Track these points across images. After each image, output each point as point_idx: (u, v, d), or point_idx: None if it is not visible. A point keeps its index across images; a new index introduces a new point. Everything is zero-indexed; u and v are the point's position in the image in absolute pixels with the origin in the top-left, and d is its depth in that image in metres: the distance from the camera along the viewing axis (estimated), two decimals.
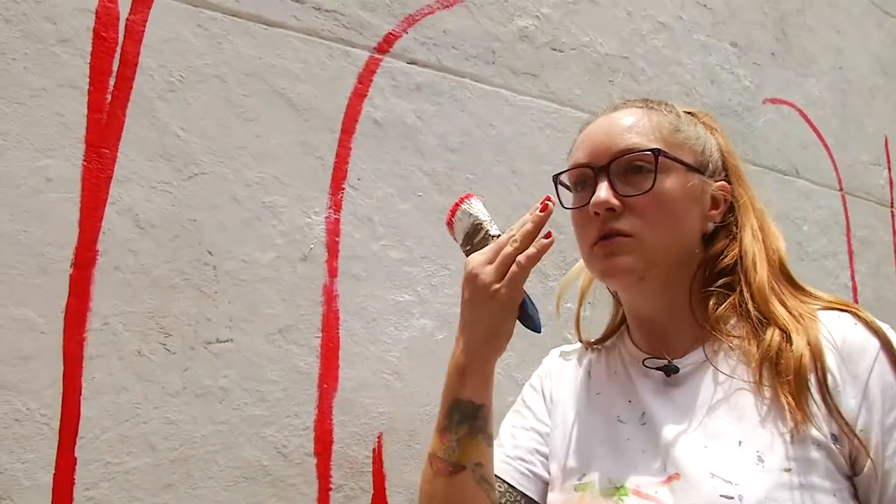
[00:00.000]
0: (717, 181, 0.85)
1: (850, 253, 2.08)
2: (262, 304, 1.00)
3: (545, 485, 0.88)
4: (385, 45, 1.18)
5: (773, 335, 0.76)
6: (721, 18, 1.84)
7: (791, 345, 0.74)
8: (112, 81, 0.93)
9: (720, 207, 0.84)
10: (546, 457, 0.89)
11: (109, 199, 0.91)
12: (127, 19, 0.94)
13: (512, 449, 0.90)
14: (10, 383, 0.83)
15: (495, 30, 1.32)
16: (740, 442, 0.74)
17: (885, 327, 0.76)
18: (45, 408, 0.85)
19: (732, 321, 0.81)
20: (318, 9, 1.10)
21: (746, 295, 0.80)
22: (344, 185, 1.09)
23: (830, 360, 0.74)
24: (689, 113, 0.89)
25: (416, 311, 1.15)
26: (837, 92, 2.18)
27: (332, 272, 1.06)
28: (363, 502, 1.04)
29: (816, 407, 0.72)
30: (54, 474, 0.84)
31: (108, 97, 0.92)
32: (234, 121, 1.01)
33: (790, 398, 0.72)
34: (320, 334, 1.04)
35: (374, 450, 1.07)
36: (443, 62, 1.24)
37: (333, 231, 1.07)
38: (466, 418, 0.82)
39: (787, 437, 0.71)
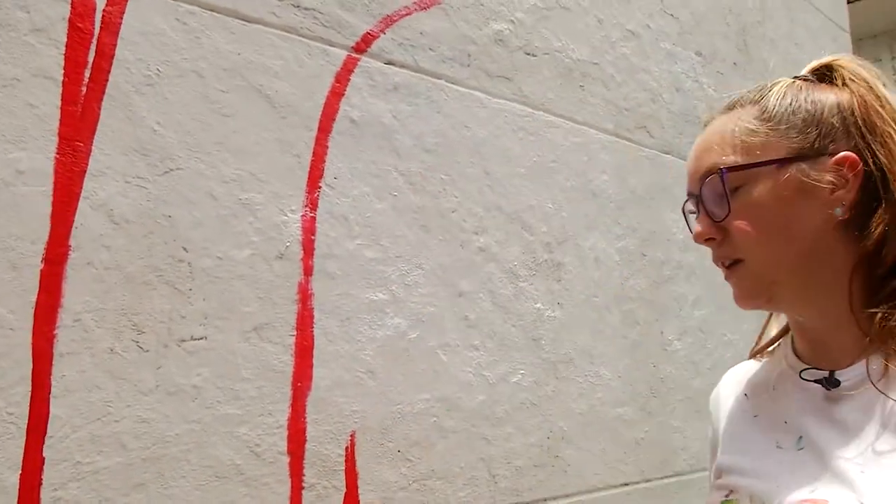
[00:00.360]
0: (836, 152, 0.73)
1: None
2: (237, 301, 0.99)
3: None
4: (363, 45, 1.18)
5: None
6: (687, 28, 1.89)
7: None
8: (88, 73, 0.91)
9: (849, 184, 0.72)
10: None
11: (83, 194, 0.88)
12: (104, 10, 0.92)
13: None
14: None
15: (471, 33, 1.33)
16: None
17: None
18: (13, 406, 0.82)
19: None
20: (297, 6, 1.10)
21: None
22: (320, 184, 1.09)
23: None
24: (806, 79, 0.79)
25: (389, 309, 1.15)
26: None
27: (308, 270, 1.06)
28: (336, 500, 1.04)
29: None
30: (21, 475, 0.82)
31: (84, 89, 0.90)
32: (212, 116, 1.00)
33: None
34: (295, 333, 1.03)
35: (346, 448, 1.06)
36: (419, 63, 1.24)
37: (309, 229, 1.07)
38: None
39: None
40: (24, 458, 0.82)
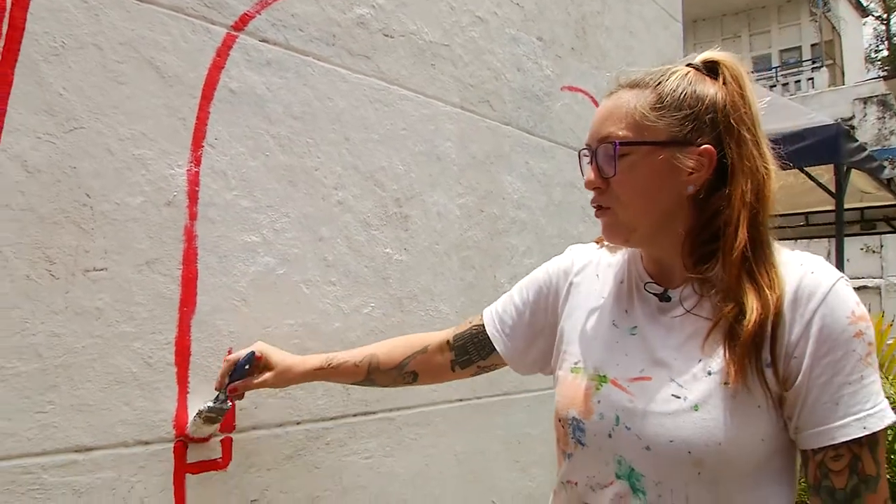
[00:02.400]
0: (701, 145, 0.93)
1: None
2: (132, 240, 1.18)
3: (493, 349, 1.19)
4: (241, 24, 1.37)
5: (731, 309, 0.89)
6: (530, 16, 2.14)
7: (744, 320, 0.87)
8: (2, 43, 1.07)
9: (702, 171, 0.93)
10: (507, 335, 1.18)
11: (1, 147, 1.06)
12: None
13: (503, 310, 1.20)
14: None
15: (336, 16, 1.54)
16: (700, 359, 0.92)
17: (837, 276, 0.89)
18: None
19: (713, 278, 0.93)
20: None
21: (720, 266, 0.92)
22: (203, 144, 1.28)
23: (784, 300, 0.89)
24: (698, 69, 0.98)
25: (261, 250, 1.37)
26: None
27: (193, 216, 1.26)
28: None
29: (754, 355, 0.88)
30: None
31: None
32: (109, 84, 1.17)
33: (731, 360, 0.88)
34: (181, 266, 1.24)
35: (225, 357, 1.29)
36: (290, 42, 1.45)
37: (194, 182, 1.27)
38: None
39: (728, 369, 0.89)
40: None
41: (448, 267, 1.80)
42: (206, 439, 1.26)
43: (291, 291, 1.42)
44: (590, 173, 1.00)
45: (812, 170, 4.87)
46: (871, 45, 27.95)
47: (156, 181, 1.22)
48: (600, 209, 1.00)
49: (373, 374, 1.26)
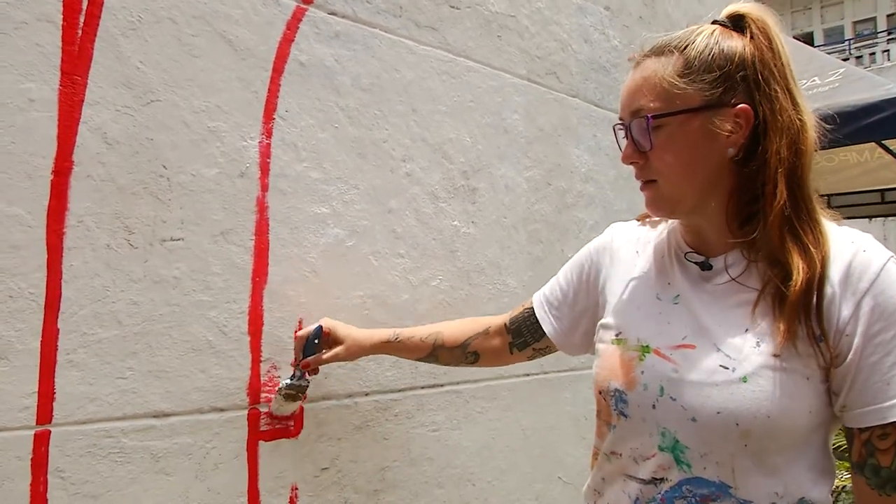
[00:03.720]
0: (736, 105, 0.90)
1: None
2: (207, 210, 1.20)
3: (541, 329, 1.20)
4: None
5: (777, 272, 0.88)
6: None
7: (790, 281, 0.86)
8: (82, 19, 1.09)
9: (740, 132, 0.91)
10: (555, 316, 1.19)
11: (82, 119, 1.08)
12: None
13: (550, 292, 1.22)
14: (4, 267, 1.00)
15: None
16: (746, 329, 0.90)
17: (889, 256, 0.88)
18: (33, 287, 1.03)
19: (758, 242, 0.91)
20: None
21: (762, 227, 0.90)
22: (274, 116, 1.30)
23: (834, 276, 0.87)
24: (724, 25, 0.95)
25: (330, 221, 1.38)
26: None
27: (264, 187, 1.28)
28: (286, 370, 1.29)
29: (804, 316, 0.86)
30: (41, 341, 1.03)
31: (79, 32, 1.08)
32: (184, 57, 1.19)
33: (782, 325, 0.86)
34: (254, 237, 1.26)
35: (295, 331, 1.31)
36: (358, 14, 1.44)
37: (265, 153, 1.28)
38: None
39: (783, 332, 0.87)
40: (43, 328, 1.04)
41: (515, 240, 1.79)
42: (289, 417, 1.29)
43: (361, 263, 1.42)
44: (626, 148, 0.98)
45: (891, 143, 4.65)
46: None
47: (229, 153, 1.24)
48: (646, 183, 0.98)
49: (437, 351, 1.29)
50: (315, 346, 1.25)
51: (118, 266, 1.11)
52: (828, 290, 0.87)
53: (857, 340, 0.85)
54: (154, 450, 1.14)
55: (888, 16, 21.21)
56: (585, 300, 1.16)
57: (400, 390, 1.51)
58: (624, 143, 0.99)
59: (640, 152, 0.96)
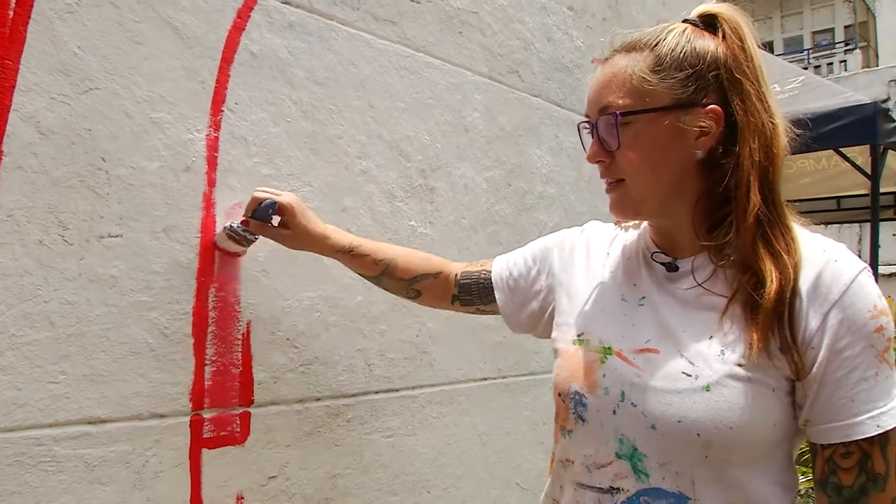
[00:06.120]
0: (707, 105, 0.88)
1: None
2: (148, 206, 1.14)
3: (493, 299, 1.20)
4: None
5: (749, 278, 0.86)
6: None
7: (763, 289, 0.84)
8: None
9: (711, 132, 0.88)
10: (511, 288, 1.18)
11: (13, 106, 1.01)
12: None
13: (513, 264, 1.19)
14: None
15: None
16: (711, 336, 0.87)
17: (861, 267, 0.85)
18: None
19: (727, 247, 0.88)
20: None
21: (734, 232, 0.87)
22: (223, 108, 1.24)
23: (803, 285, 0.84)
24: (695, 25, 0.92)
25: None
26: None
27: (211, 182, 1.22)
28: (233, 377, 1.24)
29: (777, 326, 0.84)
30: None
31: (11, 13, 1.02)
32: (126, 43, 1.13)
33: (754, 334, 0.84)
34: (199, 235, 1.20)
35: (243, 334, 1.26)
36: (314, 4, 1.39)
37: (213, 147, 1.23)
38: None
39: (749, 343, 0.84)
40: None
41: (475, 241, 1.75)
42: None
43: (312, 263, 1.37)
44: (592, 147, 0.95)
45: (847, 151, 4.73)
46: None
47: (173, 146, 1.18)
48: (611, 184, 0.96)
49: (383, 277, 1.26)
50: (268, 215, 1.17)
51: (51, 263, 1.04)
52: (796, 299, 0.84)
53: (822, 353, 0.83)
54: (89, 458, 1.08)
55: (846, 27, 21.71)
56: (543, 282, 1.15)
57: (353, 395, 1.46)
58: (589, 141, 0.96)
59: (606, 151, 0.93)
